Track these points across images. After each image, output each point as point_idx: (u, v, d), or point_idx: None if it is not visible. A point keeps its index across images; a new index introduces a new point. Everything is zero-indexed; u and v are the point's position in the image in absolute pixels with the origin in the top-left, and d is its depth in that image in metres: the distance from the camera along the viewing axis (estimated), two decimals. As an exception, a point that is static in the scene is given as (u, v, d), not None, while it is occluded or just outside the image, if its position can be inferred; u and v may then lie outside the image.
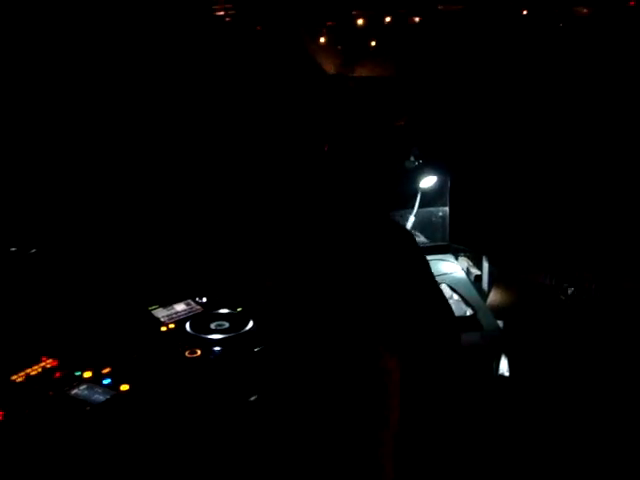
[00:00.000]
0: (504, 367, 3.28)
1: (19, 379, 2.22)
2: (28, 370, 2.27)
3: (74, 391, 2.17)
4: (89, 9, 3.48)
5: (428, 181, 3.49)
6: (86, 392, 2.16)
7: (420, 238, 3.64)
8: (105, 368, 2.27)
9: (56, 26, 3.39)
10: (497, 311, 3.30)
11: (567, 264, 3.68)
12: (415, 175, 3.48)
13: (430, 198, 3.69)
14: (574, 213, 4.35)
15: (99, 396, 2.14)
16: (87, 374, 2.24)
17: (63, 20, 3.40)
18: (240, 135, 3.84)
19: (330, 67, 7.84)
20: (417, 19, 8.16)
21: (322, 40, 8.33)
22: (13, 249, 3.24)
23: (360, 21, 8.21)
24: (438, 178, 3.52)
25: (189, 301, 2.70)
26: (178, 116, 3.69)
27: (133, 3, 3.74)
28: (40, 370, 2.27)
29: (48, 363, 2.32)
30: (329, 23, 7.57)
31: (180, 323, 2.55)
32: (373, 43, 9.09)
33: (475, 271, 3.47)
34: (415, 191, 3.54)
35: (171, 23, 4.28)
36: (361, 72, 8.37)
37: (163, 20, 4.19)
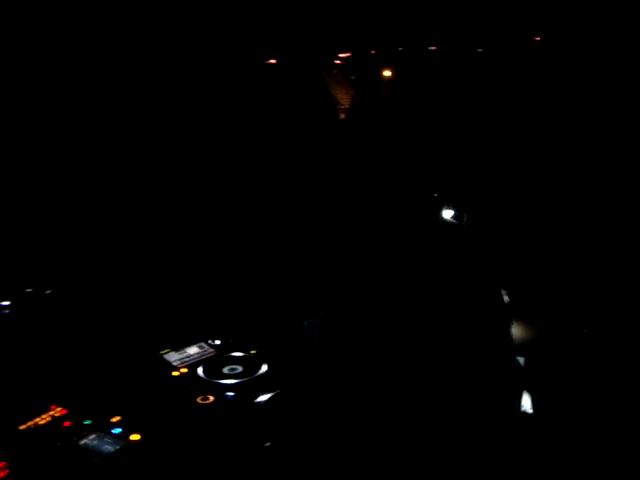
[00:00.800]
0: (527, 404, 3.19)
1: (27, 428, 2.16)
2: (37, 419, 2.21)
3: (83, 441, 2.10)
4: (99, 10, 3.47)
5: (447, 214, 3.45)
6: (95, 442, 2.10)
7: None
8: (115, 416, 2.21)
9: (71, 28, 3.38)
10: (518, 347, 3.22)
11: (588, 299, 3.59)
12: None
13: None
14: (595, 247, 4.26)
15: (109, 446, 2.07)
16: (97, 424, 2.18)
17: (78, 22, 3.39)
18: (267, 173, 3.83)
19: (345, 98, 7.85)
20: (433, 48, 8.18)
21: (335, 71, 8.36)
22: (29, 290, 3.22)
23: (374, 52, 8.24)
24: (455, 212, 3.47)
25: (202, 344, 2.64)
26: (197, 152, 3.68)
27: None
28: (49, 419, 2.21)
29: (57, 412, 2.26)
30: (343, 54, 7.59)
31: (192, 367, 2.49)
32: (388, 73, 9.08)
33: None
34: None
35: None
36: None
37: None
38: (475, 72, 6.62)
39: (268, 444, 2.29)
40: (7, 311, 3.15)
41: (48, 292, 3.26)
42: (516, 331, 3.41)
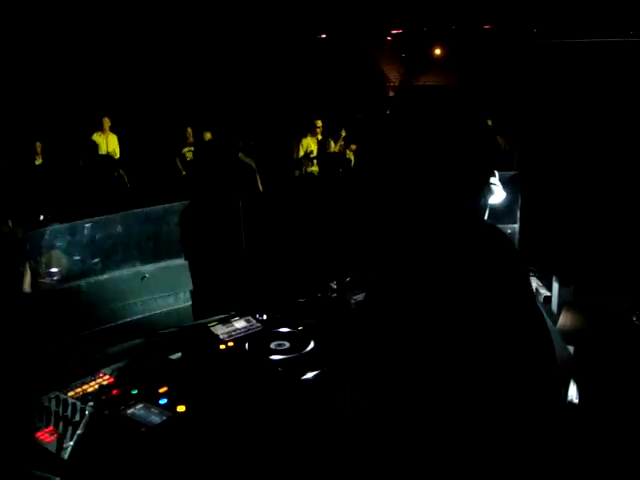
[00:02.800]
0: (573, 394, 3.11)
1: (75, 395, 2.16)
2: (84, 386, 2.21)
3: (130, 411, 2.10)
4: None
5: (497, 197, 3.34)
6: (142, 412, 2.09)
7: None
8: (162, 387, 2.20)
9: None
10: (567, 335, 3.13)
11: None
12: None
13: (498, 214, 3.53)
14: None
15: (155, 417, 2.06)
16: (144, 393, 2.17)
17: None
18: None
19: (395, 75, 7.73)
20: (488, 27, 7.99)
21: (386, 47, 8.23)
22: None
23: (426, 29, 8.08)
24: (508, 193, 3.36)
25: (249, 318, 2.62)
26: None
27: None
28: (96, 387, 2.21)
29: (105, 379, 2.26)
30: (394, 31, 7.45)
31: (239, 341, 2.46)
32: (438, 52, 8.93)
33: (544, 292, 3.30)
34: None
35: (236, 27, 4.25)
36: (425, 80, 8.22)
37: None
38: (534, 54, 6.45)
39: (313, 419, 2.26)
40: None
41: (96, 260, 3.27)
42: (566, 320, 3.32)
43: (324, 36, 6.39)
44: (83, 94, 8.21)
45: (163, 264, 2.85)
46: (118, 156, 7.09)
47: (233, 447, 2.08)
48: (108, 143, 6.68)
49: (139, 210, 2.79)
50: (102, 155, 5.98)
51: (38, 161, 6.20)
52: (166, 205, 2.84)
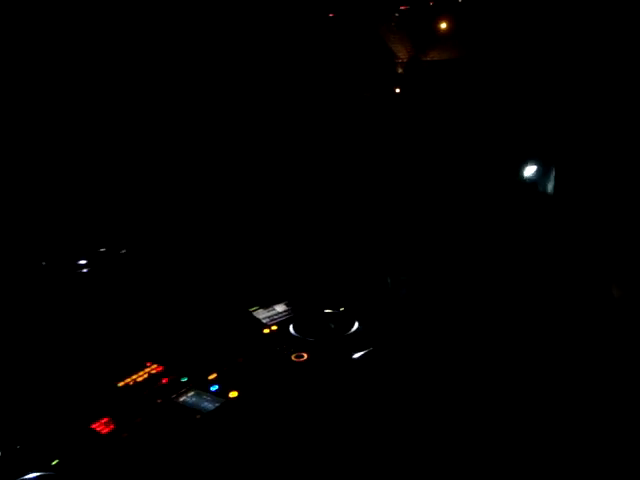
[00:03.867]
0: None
1: (126, 385, 2.17)
2: (134, 376, 2.21)
3: (182, 398, 2.10)
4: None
5: (529, 170, 3.34)
6: (195, 399, 2.09)
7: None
8: (211, 374, 2.20)
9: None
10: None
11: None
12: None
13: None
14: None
15: (208, 404, 2.06)
16: (194, 381, 2.17)
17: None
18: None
19: (402, 51, 7.66)
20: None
21: (393, 24, 8.13)
22: (102, 250, 3.22)
23: (431, 3, 8.00)
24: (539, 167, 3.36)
25: (289, 301, 2.61)
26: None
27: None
28: (146, 376, 2.21)
29: (153, 369, 2.26)
30: (402, 7, 7.37)
31: (282, 325, 2.46)
32: (444, 25, 8.83)
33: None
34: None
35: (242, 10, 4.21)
36: (433, 56, 8.15)
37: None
38: (546, 25, 6.36)
39: (360, 399, 2.26)
40: (85, 270, 3.16)
41: (123, 252, 3.26)
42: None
43: (332, 15, 6.31)
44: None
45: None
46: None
47: (287, 431, 2.08)
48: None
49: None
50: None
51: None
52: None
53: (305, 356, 2.28)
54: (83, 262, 3.19)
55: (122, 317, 2.58)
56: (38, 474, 1.79)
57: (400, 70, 7.30)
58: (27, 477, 1.79)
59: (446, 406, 1.88)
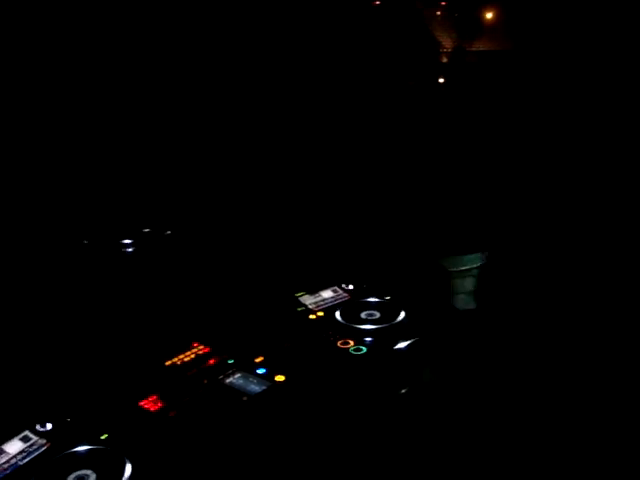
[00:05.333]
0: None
1: (173, 364, 2.19)
2: (181, 356, 2.24)
3: (229, 380, 2.11)
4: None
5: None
6: (241, 381, 2.11)
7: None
8: (258, 357, 2.21)
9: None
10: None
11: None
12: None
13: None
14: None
15: (255, 387, 2.08)
16: (241, 362, 2.19)
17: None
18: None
19: (447, 40, 7.59)
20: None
21: (438, 13, 8.08)
22: (146, 230, 3.25)
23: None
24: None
25: (335, 288, 2.61)
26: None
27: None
28: (193, 356, 2.23)
29: (200, 349, 2.28)
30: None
31: (329, 311, 2.46)
32: (490, 15, 8.73)
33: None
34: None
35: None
36: (479, 46, 8.06)
37: None
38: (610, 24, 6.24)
39: (404, 391, 2.25)
40: (130, 249, 3.20)
41: (168, 233, 3.29)
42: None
43: (378, 2, 6.28)
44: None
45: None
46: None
47: (333, 415, 2.09)
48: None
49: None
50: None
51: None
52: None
53: (351, 343, 2.28)
54: (128, 242, 3.23)
55: (168, 298, 2.61)
56: (88, 447, 1.82)
57: (445, 59, 7.23)
58: (77, 449, 1.82)
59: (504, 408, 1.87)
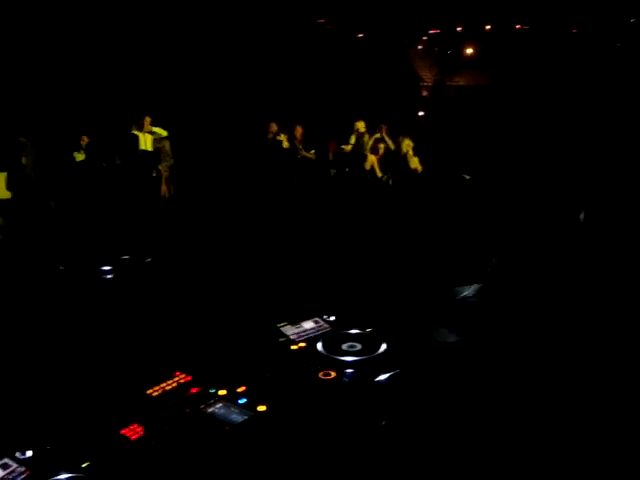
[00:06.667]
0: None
1: (155, 393, 2.19)
2: (163, 385, 2.24)
3: (210, 409, 2.12)
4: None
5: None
6: (223, 411, 2.11)
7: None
8: (240, 387, 2.22)
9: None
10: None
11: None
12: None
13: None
14: None
15: (237, 416, 2.09)
16: (222, 392, 2.19)
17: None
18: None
19: (427, 75, 7.73)
20: (518, 26, 7.97)
21: (420, 47, 8.24)
22: (126, 257, 3.26)
23: (459, 29, 8.07)
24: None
25: (317, 319, 2.64)
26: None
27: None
28: (175, 385, 2.24)
29: (182, 378, 2.28)
30: (431, 31, 7.45)
31: (310, 342, 2.48)
32: (470, 51, 8.92)
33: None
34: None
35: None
36: (459, 81, 8.21)
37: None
38: (569, 55, 6.40)
39: (384, 423, 2.27)
40: (109, 276, 3.21)
41: (148, 260, 3.30)
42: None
43: (361, 35, 6.40)
44: (129, 92, 8.22)
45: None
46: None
47: (314, 446, 2.10)
48: (146, 142, 6.70)
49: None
50: (142, 151, 6.00)
51: (79, 157, 6.23)
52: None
53: (332, 374, 2.30)
54: (107, 268, 3.23)
55: (149, 326, 2.61)
56: (69, 475, 1.82)
57: (425, 93, 7.33)
58: (58, 478, 1.81)
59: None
